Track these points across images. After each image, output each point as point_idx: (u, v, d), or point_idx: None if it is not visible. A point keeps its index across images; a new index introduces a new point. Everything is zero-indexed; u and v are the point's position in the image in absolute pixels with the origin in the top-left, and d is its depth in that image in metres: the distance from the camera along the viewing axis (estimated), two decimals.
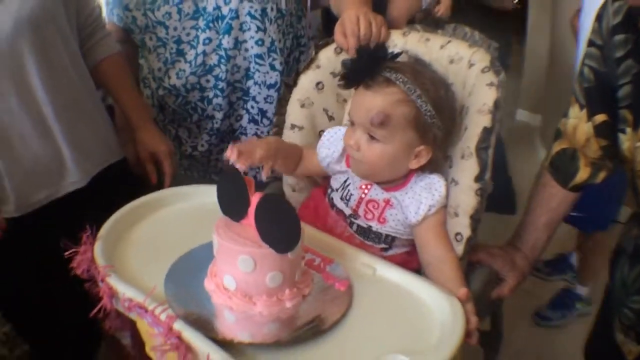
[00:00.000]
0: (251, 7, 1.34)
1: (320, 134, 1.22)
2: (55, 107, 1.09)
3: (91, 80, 1.25)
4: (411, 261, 1.10)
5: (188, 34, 1.37)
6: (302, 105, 1.23)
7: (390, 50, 1.04)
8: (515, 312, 1.97)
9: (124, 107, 1.33)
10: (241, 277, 0.90)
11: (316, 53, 1.23)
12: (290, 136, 1.24)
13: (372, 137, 1.02)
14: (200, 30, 1.35)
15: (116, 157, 1.30)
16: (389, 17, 1.28)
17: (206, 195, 1.16)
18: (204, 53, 1.36)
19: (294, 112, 1.23)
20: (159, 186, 1.35)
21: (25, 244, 1.16)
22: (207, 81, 1.39)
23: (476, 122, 1.03)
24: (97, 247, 1.03)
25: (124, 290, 0.94)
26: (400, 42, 1.20)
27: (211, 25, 1.33)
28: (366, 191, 1.10)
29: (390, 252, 1.11)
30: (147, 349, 0.92)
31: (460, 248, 1.04)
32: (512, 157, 2.90)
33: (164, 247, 1.06)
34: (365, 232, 1.10)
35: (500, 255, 1.11)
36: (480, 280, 1.08)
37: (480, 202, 1.02)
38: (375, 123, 1.00)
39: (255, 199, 0.90)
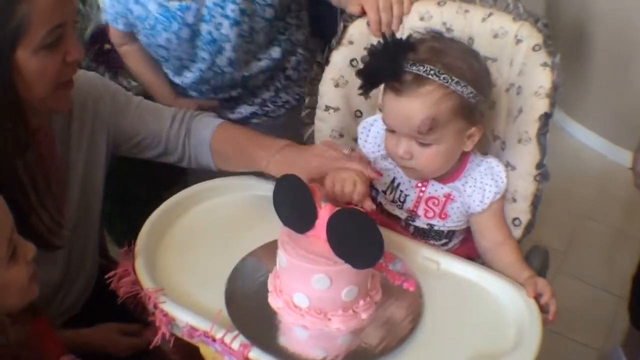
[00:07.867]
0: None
1: (356, 113, 1.16)
2: None
3: None
4: (469, 250, 1.08)
5: (188, 53, 1.37)
6: (337, 85, 1.14)
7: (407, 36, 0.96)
8: None
9: None
10: (315, 295, 0.85)
11: (345, 28, 1.13)
12: (324, 118, 1.16)
13: (422, 143, 0.95)
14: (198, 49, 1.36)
15: None
16: None
17: (239, 188, 1.11)
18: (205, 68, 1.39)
19: (328, 93, 1.15)
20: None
21: None
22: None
23: (532, 105, 0.99)
24: (139, 266, 0.93)
25: (185, 319, 0.86)
26: (436, 13, 1.11)
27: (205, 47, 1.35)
28: (423, 189, 1.04)
29: (450, 245, 1.08)
30: None
31: (518, 232, 1.03)
32: None
33: (207, 255, 0.99)
34: (425, 232, 1.06)
35: None
36: (537, 262, 1.07)
37: (539, 188, 1.00)
38: (423, 131, 0.93)
39: (325, 211, 0.84)
